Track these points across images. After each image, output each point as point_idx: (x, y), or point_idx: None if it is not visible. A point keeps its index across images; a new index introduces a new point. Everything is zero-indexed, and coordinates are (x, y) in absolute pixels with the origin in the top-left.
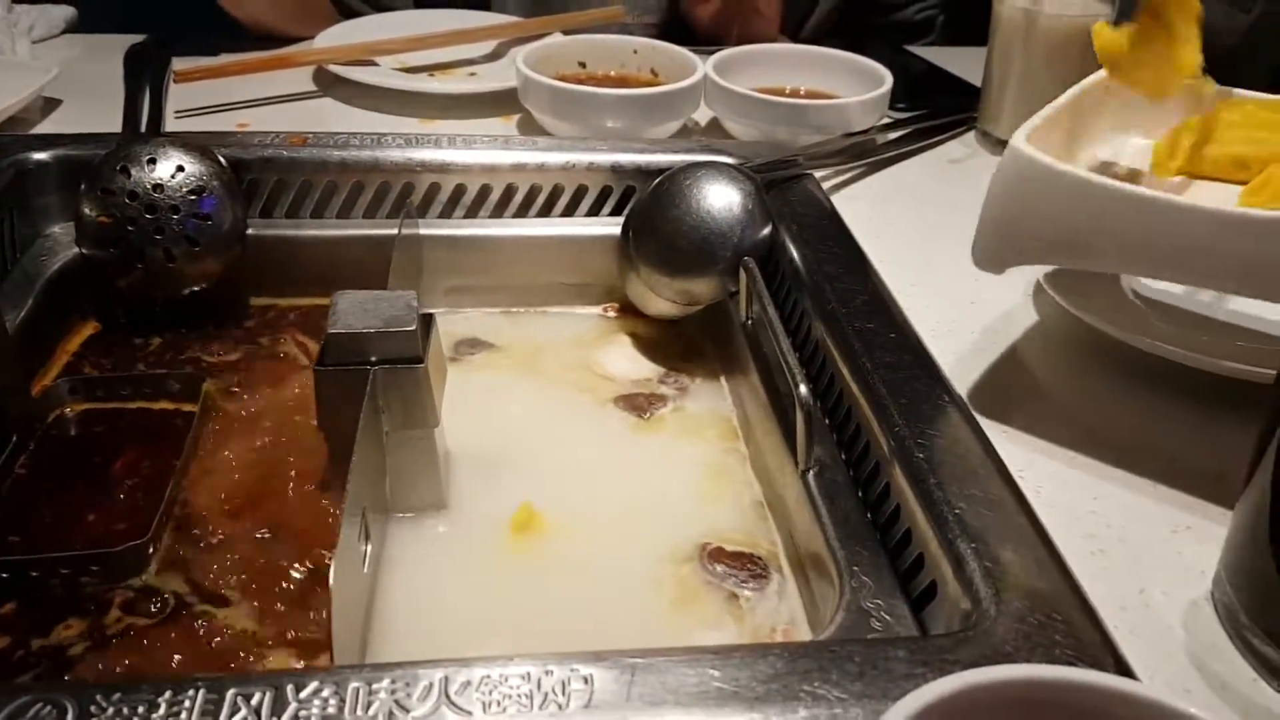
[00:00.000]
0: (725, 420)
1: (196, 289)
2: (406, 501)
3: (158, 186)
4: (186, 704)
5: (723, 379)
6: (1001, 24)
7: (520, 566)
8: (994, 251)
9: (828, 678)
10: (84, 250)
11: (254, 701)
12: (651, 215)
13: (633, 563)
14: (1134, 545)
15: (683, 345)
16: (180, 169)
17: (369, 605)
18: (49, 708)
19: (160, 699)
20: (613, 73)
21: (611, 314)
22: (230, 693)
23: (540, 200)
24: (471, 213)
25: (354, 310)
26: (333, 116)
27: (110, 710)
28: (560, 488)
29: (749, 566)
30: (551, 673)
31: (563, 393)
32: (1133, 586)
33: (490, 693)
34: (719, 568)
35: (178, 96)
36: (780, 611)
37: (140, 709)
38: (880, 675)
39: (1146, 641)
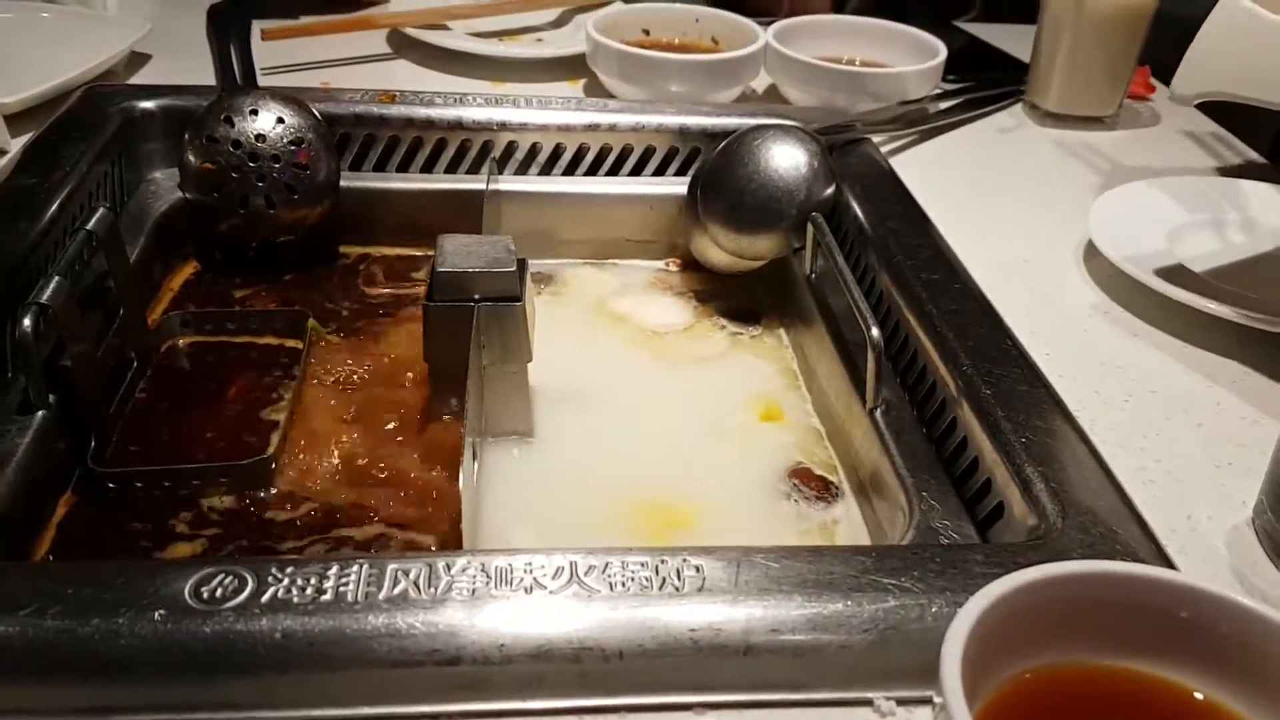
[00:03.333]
0: (786, 366)
1: (291, 235)
2: (499, 428)
3: (260, 136)
4: (353, 576)
5: (781, 329)
6: (1051, 3)
7: (599, 488)
8: (1195, 80)
9: (911, 574)
10: (187, 195)
11: (412, 575)
12: (720, 174)
13: (706, 484)
14: (1181, 477)
15: (743, 298)
16: (280, 120)
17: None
18: (231, 578)
19: (329, 571)
20: (675, 40)
21: (674, 268)
22: (391, 567)
23: (610, 160)
24: (545, 170)
25: (459, 251)
26: (407, 78)
27: (285, 581)
28: (631, 422)
29: (817, 488)
30: (666, 562)
31: (628, 337)
32: (1180, 513)
33: (615, 575)
34: (796, 483)
35: (260, 55)
36: (848, 536)
37: (313, 580)
38: (959, 574)
39: (1193, 559)
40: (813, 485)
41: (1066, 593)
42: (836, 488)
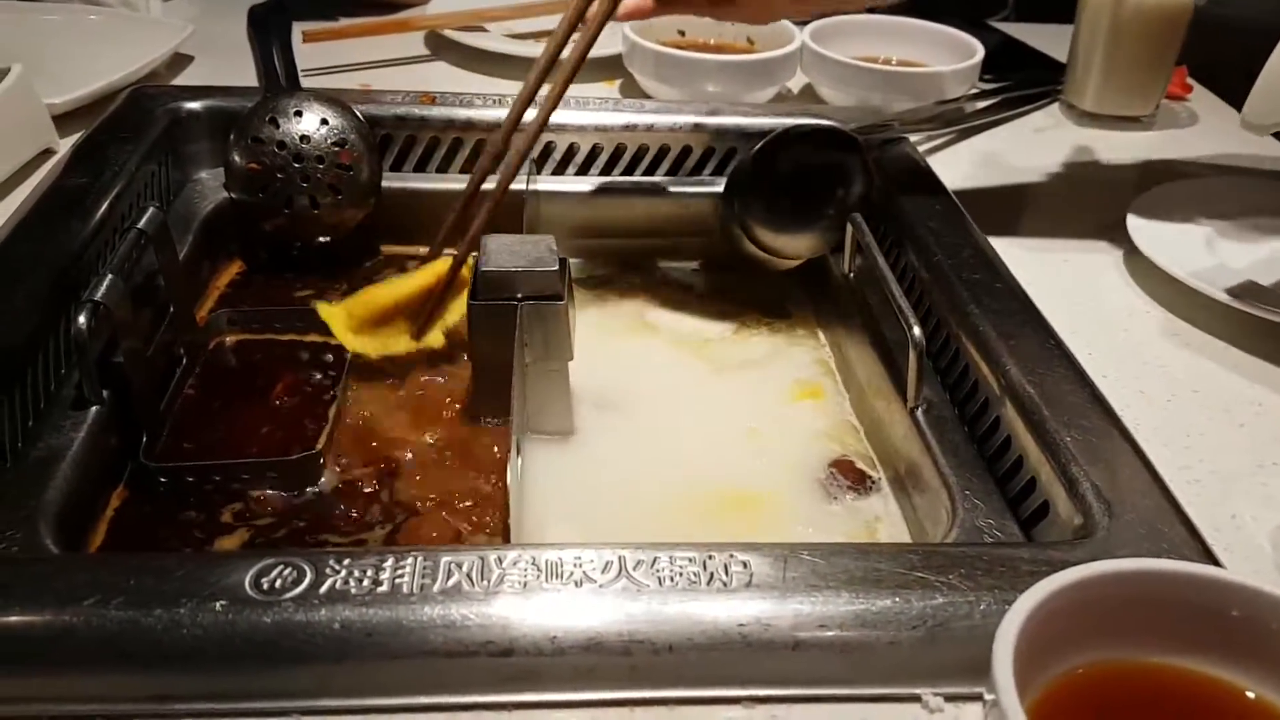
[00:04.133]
0: (823, 364)
1: (335, 235)
2: (540, 425)
3: (304, 138)
4: (407, 568)
5: (818, 328)
6: (1089, 2)
7: (638, 484)
8: (1268, 109)
9: (959, 572)
10: (233, 195)
11: (465, 568)
12: (757, 174)
13: (745, 480)
14: (1224, 476)
15: (779, 297)
16: (324, 122)
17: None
18: (289, 569)
19: (385, 563)
20: (711, 40)
21: (710, 267)
22: (444, 560)
23: (646, 160)
24: (582, 170)
25: (503, 251)
26: (445, 79)
27: (343, 572)
28: (669, 420)
29: (856, 479)
30: (714, 557)
31: (664, 336)
32: (1225, 511)
33: (663, 570)
34: (834, 472)
35: (300, 57)
36: (891, 535)
37: (369, 571)
38: (1007, 571)
39: (1238, 557)
40: (850, 475)
41: (1116, 590)
42: (875, 481)
